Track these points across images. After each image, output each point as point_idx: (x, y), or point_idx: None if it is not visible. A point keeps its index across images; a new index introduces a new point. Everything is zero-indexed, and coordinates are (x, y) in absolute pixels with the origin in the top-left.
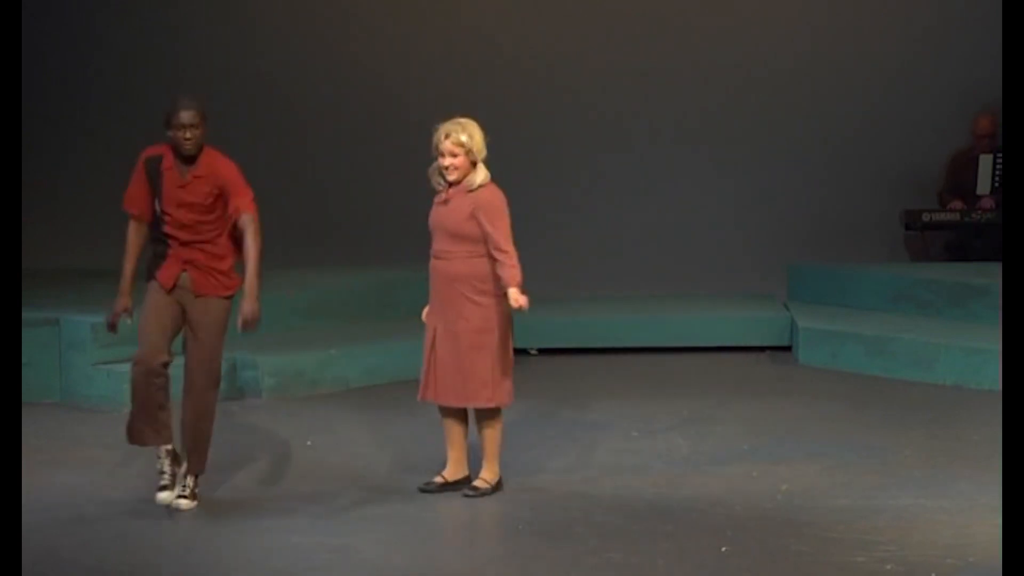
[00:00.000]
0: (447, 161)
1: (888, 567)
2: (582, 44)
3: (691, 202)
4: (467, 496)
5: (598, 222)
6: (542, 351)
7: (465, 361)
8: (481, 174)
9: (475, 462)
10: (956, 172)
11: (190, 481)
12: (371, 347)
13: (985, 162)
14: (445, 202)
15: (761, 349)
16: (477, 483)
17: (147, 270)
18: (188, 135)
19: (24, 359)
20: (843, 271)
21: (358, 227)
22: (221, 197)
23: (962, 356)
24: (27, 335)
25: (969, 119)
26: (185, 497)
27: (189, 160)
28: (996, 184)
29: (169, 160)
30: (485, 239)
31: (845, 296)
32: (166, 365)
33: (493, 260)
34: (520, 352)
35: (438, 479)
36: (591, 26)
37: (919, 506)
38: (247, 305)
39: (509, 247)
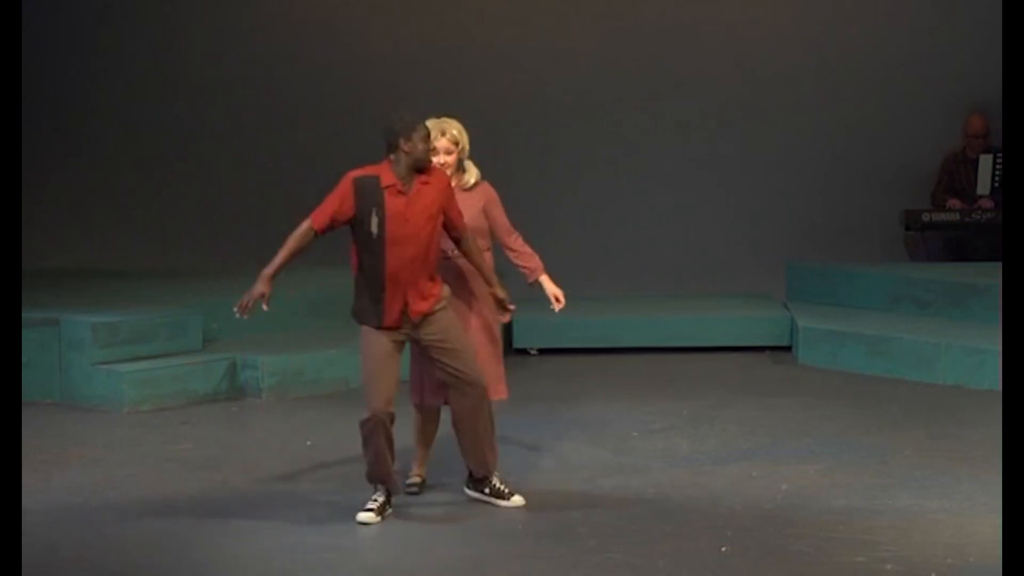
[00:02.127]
0: (442, 159)
1: (888, 567)
2: (582, 44)
3: (691, 202)
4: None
5: (598, 222)
6: (542, 351)
7: (482, 356)
8: (474, 172)
9: (449, 461)
10: (950, 173)
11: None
12: None
13: (985, 162)
14: None
15: (761, 349)
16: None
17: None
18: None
19: (24, 359)
20: (843, 271)
21: None
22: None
23: (962, 356)
24: (27, 335)
25: (965, 120)
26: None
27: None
28: (996, 184)
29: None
30: (491, 233)
31: (845, 296)
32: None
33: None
34: (520, 352)
35: (416, 479)
36: (591, 26)
37: (919, 506)
38: None
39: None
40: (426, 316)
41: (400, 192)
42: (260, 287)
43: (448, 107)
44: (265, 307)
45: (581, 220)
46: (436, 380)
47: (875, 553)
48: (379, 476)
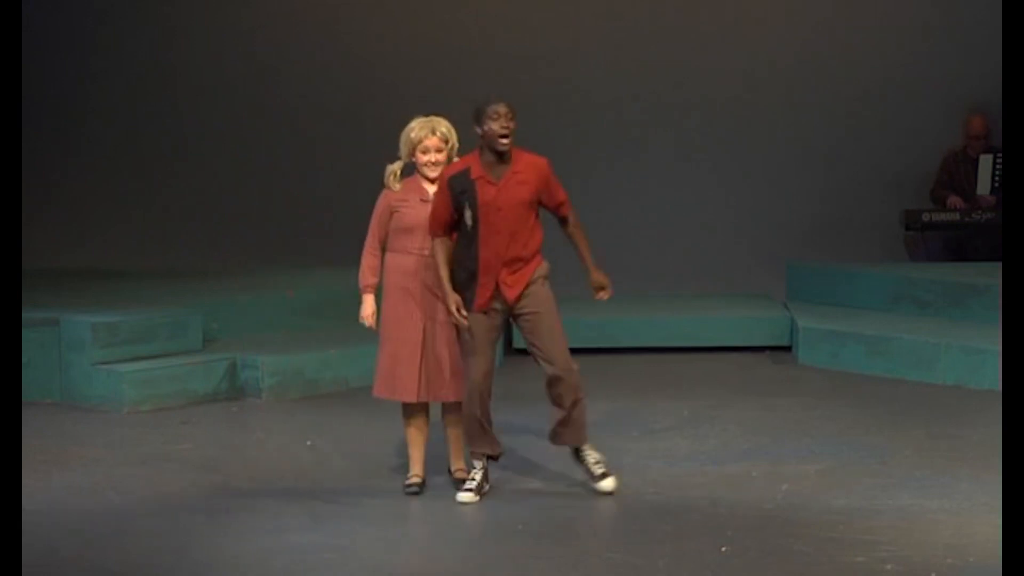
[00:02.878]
0: (434, 157)
1: (888, 567)
2: (582, 44)
3: (691, 202)
4: (460, 480)
5: (598, 222)
6: None
7: (449, 359)
8: None
9: (438, 459)
10: (950, 172)
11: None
12: (371, 347)
13: (985, 162)
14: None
15: (761, 349)
16: (466, 474)
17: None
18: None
19: (24, 359)
20: (843, 271)
21: (358, 227)
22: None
23: (962, 356)
24: (27, 335)
25: (965, 119)
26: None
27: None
28: (996, 184)
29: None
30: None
31: (845, 296)
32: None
33: None
34: (520, 352)
35: (416, 479)
36: (591, 27)
37: (919, 506)
38: None
39: None
40: (521, 295)
41: (490, 183)
42: (451, 297)
43: (448, 107)
44: (462, 318)
45: (581, 220)
46: (435, 376)
47: (875, 553)
48: (481, 447)
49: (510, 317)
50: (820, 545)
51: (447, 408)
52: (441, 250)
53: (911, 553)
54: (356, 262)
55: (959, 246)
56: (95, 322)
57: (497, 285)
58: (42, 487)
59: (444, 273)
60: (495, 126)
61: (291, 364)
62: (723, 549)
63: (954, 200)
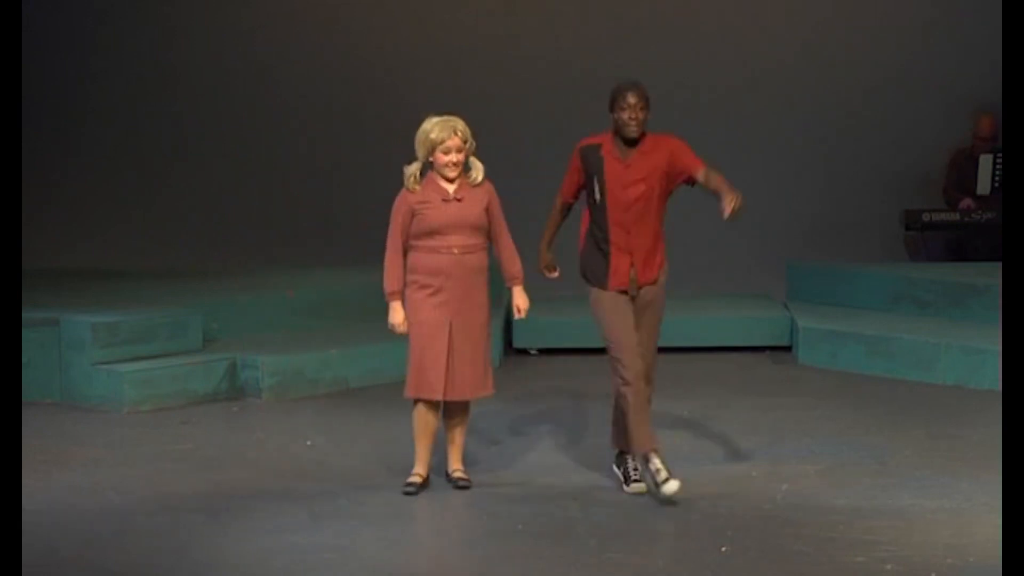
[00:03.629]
0: (454, 157)
1: (888, 567)
2: (582, 45)
3: (691, 202)
4: (463, 488)
5: None
6: (542, 351)
7: (479, 352)
8: (480, 168)
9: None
10: (959, 170)
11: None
12: (371, 347)
13: (985, 162)
14: (458, 199)
15: (761, 349)
16: (465, 475)
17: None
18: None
19: (24, 359)
20: (843, 270)
21: (358, 227)
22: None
23: (962, 356)
24: (27, 335)
25: (969, 119)
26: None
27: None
28: (996, 184)
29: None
30: (489, 230)
31: (845, 296)
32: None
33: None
34: (520, 352)
35: (417, 478)
36: (590, 26)
37: (919, 506)
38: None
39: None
40: (649, 284)
41: (618, 159)
42: (543, 258)
43: (448, 107)
44: (554, 274)
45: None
46: (460, 373)
47: (875, 553)
48: (634, 442)
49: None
50: (820, 545)
51: (451, 408)
52: (556, 215)
53: (911, 553)
54: (356, 262)
55: (959, 246)
56: (95, 322)
57: (632, 266)
58: (42, 487)
59: (547, 234)
60: (624, 116)
61: (291, 364)
62: (723, 549)
63: (967, 202)
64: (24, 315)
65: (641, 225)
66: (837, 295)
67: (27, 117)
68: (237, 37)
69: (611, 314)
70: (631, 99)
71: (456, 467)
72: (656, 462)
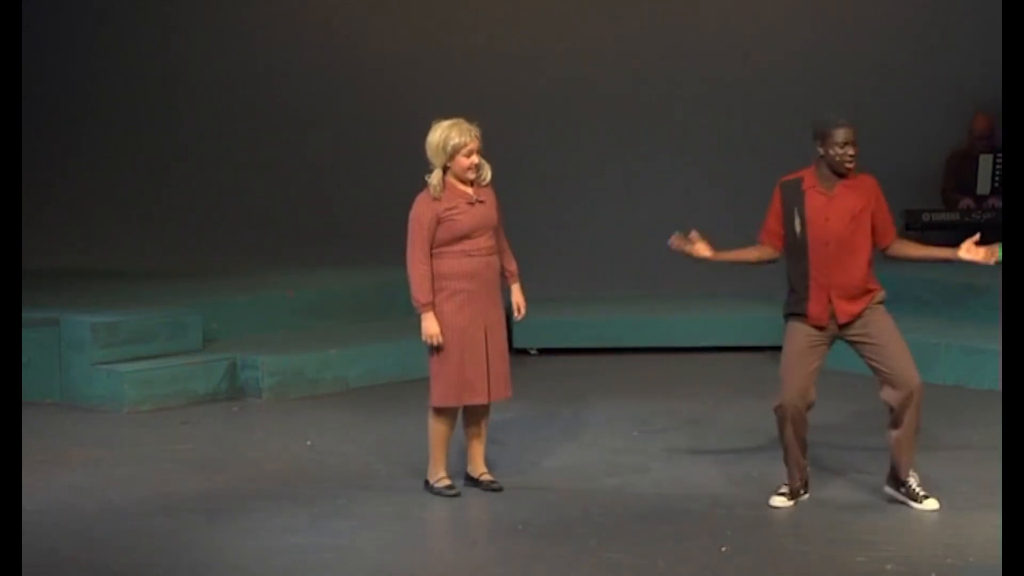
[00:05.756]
0: (476, 160)
1: (888, 567)
2: (583, 46)
3: (691, 201)
4: (495, 491)
5: (598, 222)
6: (542, 351)
7: (505, 351)
8: (488, 166)
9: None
10: (956, 171)
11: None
12: (371, 347)
13: (985, 162)
14: (481, 201)
15: (761, 349)
16: (493, 478)
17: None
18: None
19: (24, 359)
20: None
21: (358, 227)
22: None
23: (962, 356)
24: (27, 335)
25: (968, 119)
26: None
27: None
28: (996, 184)
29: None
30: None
31: None
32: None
33: None
34: (520, 352)
35: (449, 480)
36: (590, 27)
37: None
38: None
39: None
40: (855, 317)
41: (821, 193)
42: (699, 249)
43: (448, 107)
44: (699, 248)
45: (581, 220)
46: (495, 375)
47: (875, 553)
48: (788, 463)
49: (843, 340)
50: (820, 545)
51: (474, 412)
52: (756, 250)
53: (911, 553)
54: (356, 262)
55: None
56: (95, 322)
57: (830, 302)
58: (42, 487)
59: (734, 254)
60: (841, 152)
61: (291, 364)
62: (723, 549)
63: (966, 202)
64: (24, 315)
65: (841, 260)
66: None
67: (27, 117)
68: (237, 37)
69: (790, 349)
70: (849, 135)
71: (482, 470)
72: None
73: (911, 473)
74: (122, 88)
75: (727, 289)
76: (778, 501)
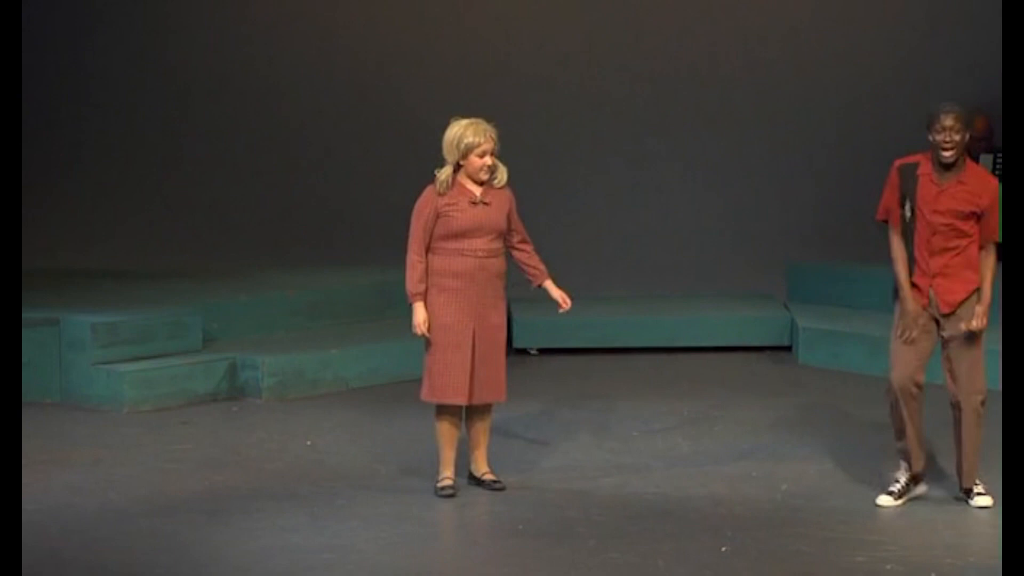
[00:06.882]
0: (490, 160)
1: (888, 567)
2: (584, 46)
3: (691, 202)
4: (498, 490)
5: (598, 222)
6: (542, 351)
7: (499, 356)
8: (505, 169)
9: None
10: None
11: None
12: (371, 347)
13: (985, 163)
14: (485, 203)
15: (761, 349)
16: (496, 477)
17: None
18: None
19: (24, 359)
20: (843, 270)
21: (358, 227)
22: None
23: None
24: (27, 335)
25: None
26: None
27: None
28: None
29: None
30: (509, 233)
31: (845, 296)
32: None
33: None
34: (520, 352)
35: (449, 480)
36: (591, 28)
37: (919, 506)
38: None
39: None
40: (954, 309)
41: (934, 183)
42: (906, 295)
43: (448, 108)
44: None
45: (582, 221)
46: (482, 377)
47: (875, 553)
48: (900, 447)
49: (939, 330)
50: (820, 545)
51: (474, 412)
52: (897, 246)
53: (911, 553)
54: (355, 262)
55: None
56: (95, 322)
57: (932, 289)
58: (42, 487)
59: (902, 274)
60: (939, 138)
61: (291, 364)
62: (723, 549)
63: None
64: (24, 315)
65: (946, 251)
66: (837, 295)
67: (27, 117)
68: (237, 37)
69: (899, 324)
70: (948, 122)
71: (485, 470)
72: (901, 476)
73: (975, 481)
74: (122, 88)
75: (727, 289)
76: (884, 500)
